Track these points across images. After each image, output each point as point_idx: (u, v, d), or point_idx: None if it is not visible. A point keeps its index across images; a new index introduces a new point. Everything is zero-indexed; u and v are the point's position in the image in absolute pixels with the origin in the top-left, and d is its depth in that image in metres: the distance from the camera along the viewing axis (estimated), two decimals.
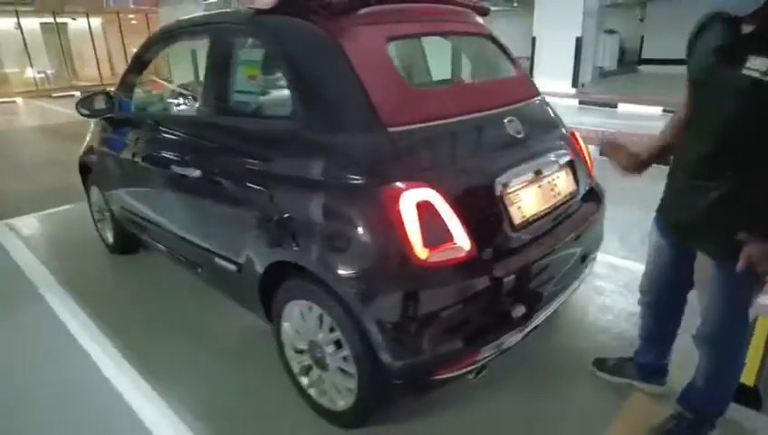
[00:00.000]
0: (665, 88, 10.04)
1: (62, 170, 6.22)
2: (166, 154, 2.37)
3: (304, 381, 1.93)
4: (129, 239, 3.35)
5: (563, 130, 2.21)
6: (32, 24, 17.37)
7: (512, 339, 1.69)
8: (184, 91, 3.17)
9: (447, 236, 1.52)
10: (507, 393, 2.02)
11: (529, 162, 1.87)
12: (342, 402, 1.77)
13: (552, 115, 2.24)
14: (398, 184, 1.51)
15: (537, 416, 1.93)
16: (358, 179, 1.58)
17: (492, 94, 1.99)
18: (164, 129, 2.47)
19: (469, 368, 1.61)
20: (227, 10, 2.24)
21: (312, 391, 1.90)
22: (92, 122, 3.47)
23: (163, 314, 2.78)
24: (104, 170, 3.10)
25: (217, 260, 2.14)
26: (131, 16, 18.86)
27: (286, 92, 1.80)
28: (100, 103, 2.77)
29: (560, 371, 2.17)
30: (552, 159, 1.99)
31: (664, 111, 8.54)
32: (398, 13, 1.88)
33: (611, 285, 2.87)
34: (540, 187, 1.88)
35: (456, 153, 1.75)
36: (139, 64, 2.81)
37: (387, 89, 1.66)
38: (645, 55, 15.73)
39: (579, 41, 10.30)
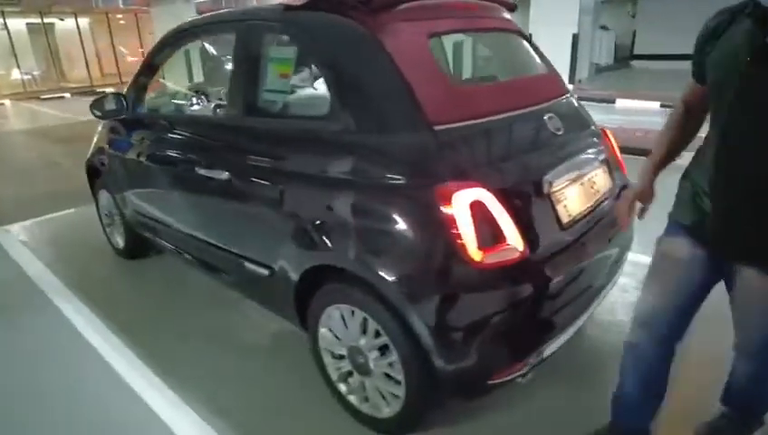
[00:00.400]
0: (660, 83, 10.18)
1: (60, 174, 6.10)
2: (188, 156, 2.30)
3: (343, 387, 1.87)
4: (139, 244, 3.27)
5: (595, 127, 2.18)
6: (18, 24, 17.03)
7: (561, 340, 1.66)
8: (203, 92, 3.08)
9: (501, 237, 1.48)
10: (547, 392, 1.99)
11: (572, 159, 1.84)
12: (388, 409, 1.72)
13: (584, 112, 2.21)
14: (450, 184, 1.47)
15: (579, 413, 1.89)
16: (405, 180, 1.53)
17: (528, 91, 1.95)
18: (184, 130, 2.40)
19: (523, 370, 1.57)
20: (254, 6, 2.16)
21: (352, 398, 1.85)
22: (100, 125, 3.38)
23: (181, 318, 2.72)
24: (116, 173, 3.01)
25: (247, 265, 2.08)
26: (120, 16, 18.57)
27: (322, 92, 1.75)
28: (112, 104, 2.68)
29: (598, 368, 2.14)
30: (591, 156, 1.97)
31: (661, 105, 8.60)
32: (434, 9, 1.83)
33: (634, 281, 2.85)
34: (582, 185, 1.85)
35: (503, 151, 1.71)
36: (152, 64, 2.73)
37: (431, 86, 1.61)
38: (637, 51, 15.84)
39: (575, 37, 10.33)
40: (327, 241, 1.68)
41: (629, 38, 15.90)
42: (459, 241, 1.43)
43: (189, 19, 2.42)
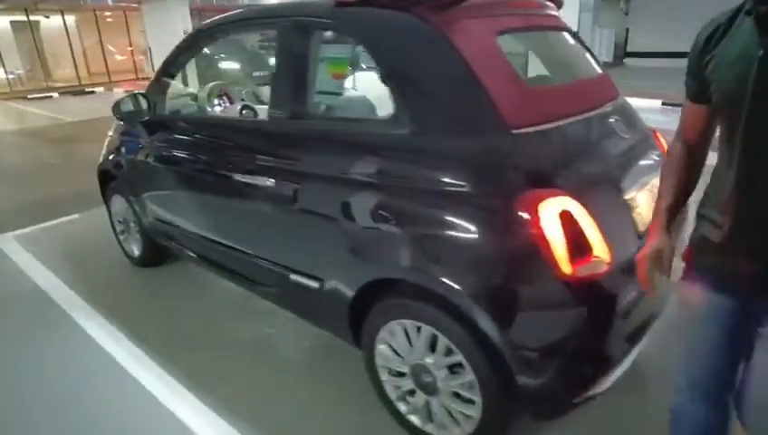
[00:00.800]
0: (657, 81, 10.22)
1: (58, 176, 5.88)
2: (222, 162, 2.17)
3: (403, 407, 1.77)
4: (156, 252, 3.13)
5: (647, 129, 2.11)
6: (1, 22, 16.54)
7: (635, 353, 1.59)
8: (226, 93, 2.94)
9: (589, 249, 1.39)
10: (616, 404, 1.91)
11: (639, 164, 1.76)
12: (458, 431, 1.62)
13: (636, 114, 2.13)
14: (535, 192, 1.38)
15: (648, 422, 1.81)
16: (484, 187, 1.43)
17: (591, 93, 1.86)
18: (216, 134, 2.27)
19: (605, 387, 1.49)
20: (298, 2, 2.03)
21: (413, 419, 1.75)
22: (112, 128, 3.22)
23: (207, 329, 2.60)
24: (134, 179, 2.86)
25: (293, 276, 1.96)
26: (108, 14, 18.13)
27: (384, 92, 1.64)
28: (136, 106, 2.52)
29: (659, 376, 2.07)
30: (652, 160, 1.89)
31: (663, 103, 8.63)
32: (496, 6, 1.74)
33: None
34: (650, 190, 1.76)
35: (580, 156, 1.62)
36: (176, 63, 2.58)
37: (505, 87, 1.51)
38: (630, 48, 15.93)
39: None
40: (393, 253, 1.58)
41: (623, 36, 15.99)
42: (549, 253, 1.34)
43: (219, 15, 2.27)
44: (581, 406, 1.53)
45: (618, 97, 2.04)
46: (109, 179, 3.20)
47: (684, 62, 1.19)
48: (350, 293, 1.75)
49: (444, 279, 1.46)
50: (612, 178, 1.60)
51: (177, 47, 2.50)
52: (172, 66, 2.59)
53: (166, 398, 2.08)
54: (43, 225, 4.19)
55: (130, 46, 18.30)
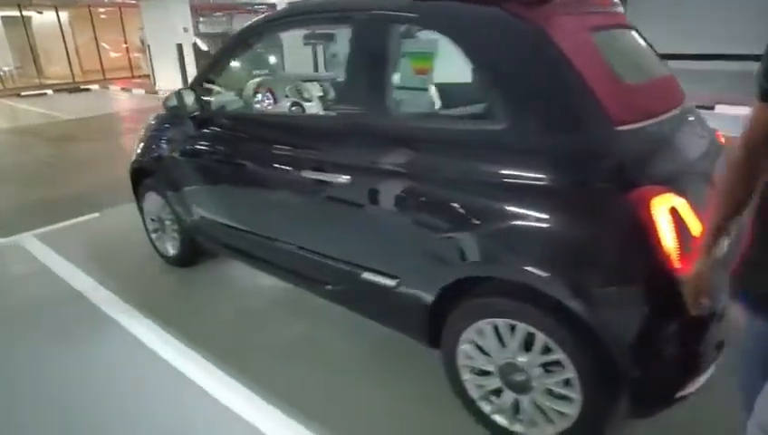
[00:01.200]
0: None
1: (67, 176, 5.74)
2: (286, 159, 2.13)
3: (487, 407, 1.75)
4: (194, 251, 3.07)
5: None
6: None
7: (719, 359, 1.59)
8: (281, 90, 2.89)
9: (695, 244, 1.38)
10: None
11: (716, 163, 1.77)
12: (551, 428, 1.61)
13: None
14: (648, 189, 1.37)
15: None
16: (590, 183, 1.42)
17: (669, 92, 1.86)
18: (280, 131, 2.22)
19: (697, 386, 1.49)
20: None
21: (499, 418, 1.73)
22: (147, 123, 3.16)
23: (257, 327, 2.55)
24: (178, 176, 2.79)
25: (365, 275, 1.93)
26: (102, 10, 17.83)
27: (475, 89, 1.61)
28: (188, 101, 2.45)
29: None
30: (723, 160, 1.90)
31: None
32: (583, 3, 1.73)
33: None
34: None
35: (676, 154, 1.61)
36: (229, 56, 2.50)
37: (606, 84, 1.50)
38: None
39: None
40: (489, 251, 1.56)
41: None
42: (662, 249, 1.33)
43: (282, 6, 2.22)
44: (677, 404, 1.53)
45: (685, 96, 2.04)
46: (143, 177, 3.13)
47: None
48: (432, 292, 1.73)
49: (550, 278, 1.44)
50: (704, 176, 1.61)
51: (230, 41, 2.43)
52: (224, 59, 2.52)
53: (228, 399, 2.03)
54: (61, 224, 4.09)
55: (125, 43, 18.02)
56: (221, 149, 2.48)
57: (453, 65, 1.70)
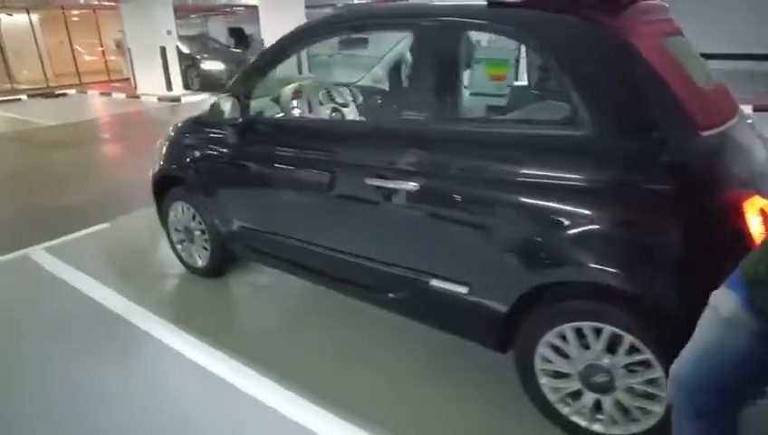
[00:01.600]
0: None
1: (64, 185, 5.52)
2: (343, 166, 2.11)
3: (565, 409, 1.77)
4: (225, 262, 3.02)
5: None
6: None
7: None
8: (315, 95, 2.84)
9: None
10: None
11: None
12: (636, 427, 1.64)
13: None
14: (740, 191, 1.41)
15: None
16: (678, 187, 1.46)
17: (728, 96, 1.92)
18: (335, 137, 2.20)
19: None
20: (442, 3, 1.97)
21: (578, 419, 1.75)
22: (172, 129, 3.07)
23: (301, 335, 2.53)
24: (215, 185, 2.73)
25: (435, 283, 1.92)
26: (75, 13, 17.24)
27: (555, 95, 1.63)
28: (230, 106, 2.38)
29: None
30: None
31: None
32: (651, 10, 1.77)
33: None
34: None
35: (750, 156, 1.66)
36: (275, 61, 2.42)
37: (688, 90, 1.55)
38: None
39: None
40: (576, 255, 1.58)
41: None
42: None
43: (336, 11, 2.19)
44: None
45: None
46: (168, 185, 3.04)
47: None
48: (509, 298, 1.74)
49: (642, 281, 1.47)
50: None
51: (276, 45, 2.36)
52: (269, 64, 2.44)
53: (285, 408, 2.01)
54: (71, 236, 3.93)
55: (101, 47, 17.48)
56: (271, 158, 2.42)
57: (525, 71, 1.72)
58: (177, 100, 11.44)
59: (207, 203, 2.80)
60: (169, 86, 11.83)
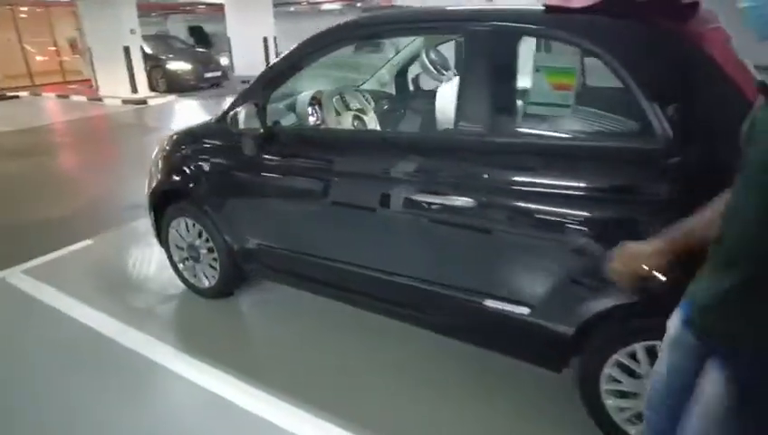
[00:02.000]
0: None
1: (35, 197, 5.06)
2: (384, 181, 1.97)
3: (632, 429, 1.71)
4: (235, 281, 2.83)
5: None
6: None
7: None
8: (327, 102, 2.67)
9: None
10: None
11: None
12: None
13: None
14: None
15: None
16: None
17: None
18: (371, 150, 2.06)
19: None
20: (498, 7, 1.85)
21: None
22: (164, 143, 2.84)
23: (325, 355, 2.40)
24: (228, 200, 2.53)
25: (491, 303, 1.82)
26: (24, 9, 16.16)
27: (624, 106, 1.56)
28: (248, 115, 2.16)
29: None
30: None
31: None
32: (710, 18, 1.73)
33: None
34: None
35: None
36: (296, 66, 2.25)
37: (753, 96, 1.50)
38: None
39: None
40: None
41: None
42: None
43: (365, 13, 2.04)
44: None
45: None
46: (169, 201, 2.81)
47: None
48: (576, 319, 1.66)
49: None
50: None
51: (299, 48, 2.18)
52: (292, 70, 2.26)
53: (302, 430, 1.92)
54: (51, 256, 3.59)
55: (55, 46, 16.47)
56: (301, 172, 2.24)
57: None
58: (143, 102, 10.90)
59: (218, 219, 2.60)
60: (134, 88, 11.26)
